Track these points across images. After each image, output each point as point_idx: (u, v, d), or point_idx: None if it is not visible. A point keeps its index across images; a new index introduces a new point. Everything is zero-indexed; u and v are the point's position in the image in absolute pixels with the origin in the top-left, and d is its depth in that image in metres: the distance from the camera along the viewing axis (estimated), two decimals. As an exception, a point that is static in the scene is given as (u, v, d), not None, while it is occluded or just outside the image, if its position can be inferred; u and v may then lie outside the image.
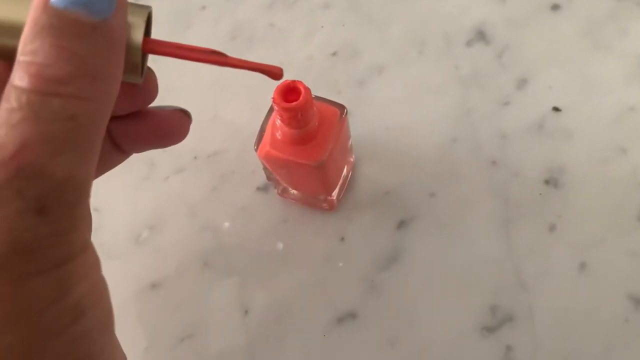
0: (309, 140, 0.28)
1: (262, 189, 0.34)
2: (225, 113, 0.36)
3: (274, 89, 0.25)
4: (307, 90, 0.25)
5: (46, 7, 0.15)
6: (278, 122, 0.27)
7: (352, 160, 0.33)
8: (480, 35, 0.37)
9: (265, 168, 0.31)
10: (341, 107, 0.28)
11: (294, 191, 0.33)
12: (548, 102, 0.35)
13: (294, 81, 0.25)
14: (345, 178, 0.33)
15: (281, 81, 0.25)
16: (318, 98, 0.28)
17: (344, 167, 0.32)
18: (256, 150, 0.29)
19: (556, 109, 0.35)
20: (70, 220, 0.15)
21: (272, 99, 0.26)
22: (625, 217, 0.32)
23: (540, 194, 0.33)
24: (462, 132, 0.35)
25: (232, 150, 0.35)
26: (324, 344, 0.30)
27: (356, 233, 0.33)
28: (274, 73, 0.20)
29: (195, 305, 0.31)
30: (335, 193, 0.32)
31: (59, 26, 0.15)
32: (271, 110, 0.29)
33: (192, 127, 0.35)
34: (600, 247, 0.31)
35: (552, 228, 0.32)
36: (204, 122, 0.36)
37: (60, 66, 0.15)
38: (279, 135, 0.28)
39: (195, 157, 0.35)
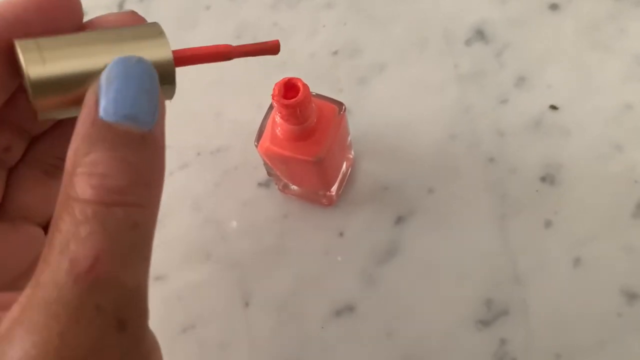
0: (307, 137, 0.28)
1: (264, 184, 0.35)
2: (228, 111, 0.37)
3: (274, 87, 0.26)
4: (306, 87, 0.26)
5: (96, 121, 0.16)
6: (278, 118, 0.28)
7: (351, 156, 0.34)
8: (480, 35, 0.38)
9: (265, 164, 0.32)
10: (339, 104, 0.29)
11: (294, 187, 0.34)
12: (546, 100, 0.36)
13: (292, 78, 0.26)
14: (345, 174, 0.34)
15: (281, 78, 0.26)
16: (317, 96, 0.29)
17: (342, 163, 0.33)
18: (257, 146, 0.30)
19: (553, 107, 0.35)
20: (143, 329, 0.15)
21: (271, 96, 0.26)
22: (620, 213, 0.32)
23: (537, 190, 0.33)
24: (461, 129, 0.35)
25: (235, 147, 0.36)
26: (323, 336, 0.31)
27: (355, 228, 0.33)
28: (272, 48, 0.21)
29: (197, 296, 0.32)
30: (334, 189, 0.33)
31: (111, 138, 0.15)
32: (272, 107, 0.30)
33: (195, 124, 0.36)
34: (595, 243, 0.32)
35: (547, 224, 0.32)
36: (207, 119, 0.37)
37: (120, 176, 0.15)
38: (278, 131, 0.29)
39: (199, 154, 0.36)
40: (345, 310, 0.31)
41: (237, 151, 0.36)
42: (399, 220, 0.33)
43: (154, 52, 0.18)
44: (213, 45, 0.20)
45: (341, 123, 0.29)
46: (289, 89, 0.26)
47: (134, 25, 0.19)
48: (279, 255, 0.33)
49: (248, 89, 0.37)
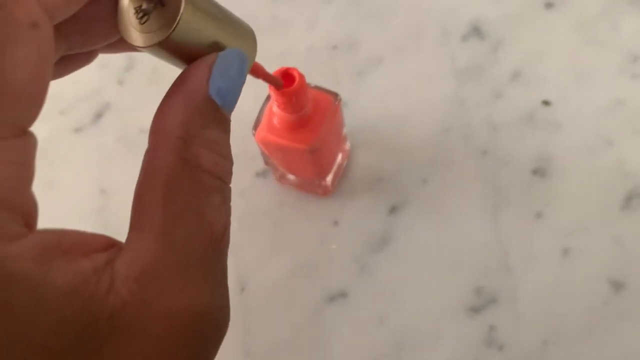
0: (303, 125, 0.29)
1: (261, 174, 0.36)
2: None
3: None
4: (302, 76, 0.27)
5: (207, 98, 0.16)
6: (275, 108, 0.29)
7: (347, 148, 0.35)
8: (476, 30, 0.39)
9: (263, 153, 0.32)
10: (334, 95, 0.29)
11: (291, 176, 0.34)
12: (539, 95, 0.36)
13: (289, 68, 0.27)
14: (341, 165, 0.35)
15: (277, 68, 0.27)
16: (313, 87, 0.29)
17: (337, 154, 0.34)
18: (254, 134, 0.31)
19: (546, 103, 0.36)
20: None
21: (268, 86, 0.27)
22: (609, 205, 0.33)
23: (529, 182, 0.34)
24: (455, 122, 0.36)
25: (234, 137, 0.36)
26: (316, 321, 0.32)
27: (350, 217, 0.34)
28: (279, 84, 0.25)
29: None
30: (329, 178, 0.34)
31: (219, 120, 0.17)
32: (269, 97, 0.31)
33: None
34: (584, 233, 0.32)
35: (538, 215, 0.33)
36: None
37: (229, 160, 0.17)
38: (275, 121, 0.30)
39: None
40: (339, 296, 0.32)
41: (235, 141, 0.36)
42: (393, 210, 0.34)
43: (249, 55, 0.20)
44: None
45: (336, 113, 0.30)
46: (286, 78, 0.27)
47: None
48: (275, 242, 0.34)
49: (247, 80, 0.37)
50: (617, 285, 0.31)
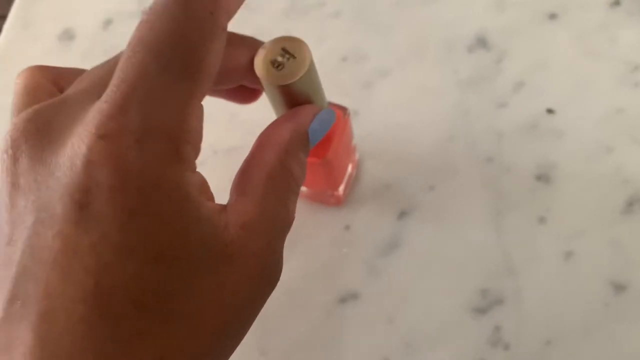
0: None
1: (275, 181, 0.37)
2: (242, 112, 0.39)
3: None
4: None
5: (306, 133, 0.23)
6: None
7: (356, 158, 0.36)
8: (480, 42, 0.40)
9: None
10: (344, 109, 0.31)
11: (303, 188, 0.36)
12: (542, 105, 0.38)
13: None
14: (351, 175, 0.36)
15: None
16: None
17: (348, 165, 0.35)
18: None
19: (550, 111, 0.37)
20: None
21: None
22: (610, 210, 0.34)
23: (532, 188, 0.35)
24: (460, 131, 0.37)
25: (248, 146, 0.38)
26: (329, 321, 0.33)
27: (360, 222, 0.36)
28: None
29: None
30: (341, 189, 0.35)
31: (307, 149, 0.23)
32: None
33: (212, 125, 0.39)
34: (586, 237, 0.34)
35: (541, 220, 0.34)
36: (223, 120, 0.39)
37: (304, 177, 0.23)
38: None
39: (215, 152, 0.38)
40: (350, 298, 0.34)
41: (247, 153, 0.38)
42: (401, 215, 0.35)
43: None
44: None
45: (346, 126, 0.31)
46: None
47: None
48: (288, 246, 0.35)
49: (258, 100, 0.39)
50: (618, 287, 0.32)
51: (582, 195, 0.35)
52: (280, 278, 0.35)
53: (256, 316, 0.21)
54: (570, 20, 0.40)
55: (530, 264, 0.33)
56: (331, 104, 0.31)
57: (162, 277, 0.17)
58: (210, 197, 0.20)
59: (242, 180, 0.21)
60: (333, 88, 0.40)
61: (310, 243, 0.35)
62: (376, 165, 0.37)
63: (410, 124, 0.38)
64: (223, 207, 0.20)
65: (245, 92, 0.27)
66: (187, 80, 0.19)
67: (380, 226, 0.35)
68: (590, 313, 0.32)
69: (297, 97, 0.23)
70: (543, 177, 0.36)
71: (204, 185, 0.19)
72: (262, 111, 0.38)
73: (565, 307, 0.32)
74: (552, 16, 0.40)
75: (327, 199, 0.36)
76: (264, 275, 0.20)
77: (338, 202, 0.36)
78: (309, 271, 0.35)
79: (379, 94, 0.39)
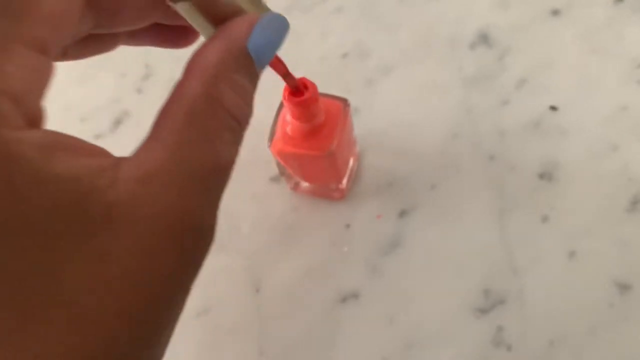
0: (317, 133, 0.30)
1: (275, 179, 0.37)
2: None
3: (284, 87, 0.28)
4: (313, 85, 0.28)
5: (244, 49, 0.18)
6: (288, 117, 0.30)
7: (357, 151, 0.36)
8: (484, 39, 0.40)
9: (278, 164, 0.34)
10: (344, 101, 0.30)
11: (305, 184, 0.36)
12: (545, 102, 0.37)
13: (301, 78, 0.28)
14: (352, 169, 0.36)
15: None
16: (322, 94, 0.31)
17: (350, 157, 0.35)
18: (269, 146, 0.32)
19: (553, 108, 0.37)
20: None
21: (282, 97, 0.28)
22: (614, 209, 0.34)
23: (535, 187, 0.35)
24: (463, 128, 0.37)
25: (247, 143, 0.37)
26: (328, 321, 0.33)
27: (361, 220, 0.35)
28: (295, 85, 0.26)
29: (211, 283, 0.34)
30: (344, 182, 0.35)
31: (251, 72, 0.18)
32: (280, 108, 0.32)
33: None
34: (590, 236, 0.33)
35: (544, 219, 0.34)
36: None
37: (250, 111, 0.18)
38: (289, 130, 0.31)
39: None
40: (350, 297, 0.33)
41: (249, 147, 0.37)
42: (403, 213, 0.35)
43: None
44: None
45: (347, 118, 0.31)
46: (298, 88, 0.28)
47: None
48: (289, 245, 0.35)
49: (258, 89, 0.38)
50: (623, 287, 0.32)
51: (586, 193, 0.34)
52: (280, 277, 0.35)
53: (185, 288, 0.17)
54: (573, 17, 0.39)
55: (533, 264, 0.33)
56: (330, 96, 0.31)
57: (6, 258, 0.14)
58: (86, 154, 0.16)
59: (158, 123, 0.17)
60: (335, 84, 0.39)
61: (311, 242, 0.35)
62: (378, 163, 0.37)
63: (412, 121, 0.38)
64: (115, 162, 0.16)
65: (169, 32, 0.23)
66: (5, 18, 0.15)
67: (381, 225, 0.35)
68: (594, 313, 0.31)
69: (221, 8, 0.19)
70: (546, 176, 0.35)
71: (57, 142, 0.15)
72: (260, 111, 0.37)
73: (569, 307, 0.32)
74: (556, 13, 0.40)
75: (331, 193, 0.35)
76: (178, 236, 0.16)
77: (342, 196, 0.35)
78: (309, 270, 0.34)
79: (381, 91, 0.39)
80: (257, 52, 0.18)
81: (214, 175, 0.17)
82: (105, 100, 0.41)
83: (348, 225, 0.35)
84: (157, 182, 0.16)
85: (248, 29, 0.18)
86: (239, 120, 0.18)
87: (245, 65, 0.18)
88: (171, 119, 0.17)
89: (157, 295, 0.16)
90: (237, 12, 0.19)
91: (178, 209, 0.16)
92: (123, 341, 0.15)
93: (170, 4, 0.19)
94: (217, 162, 0.17)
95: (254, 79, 0.19)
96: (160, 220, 0.15)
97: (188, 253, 0.16)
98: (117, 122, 0.40)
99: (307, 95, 0.28)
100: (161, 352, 0.17)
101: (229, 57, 0.18)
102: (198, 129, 0.17)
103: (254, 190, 0.36)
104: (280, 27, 0.20)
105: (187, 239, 0.16)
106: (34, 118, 0.15)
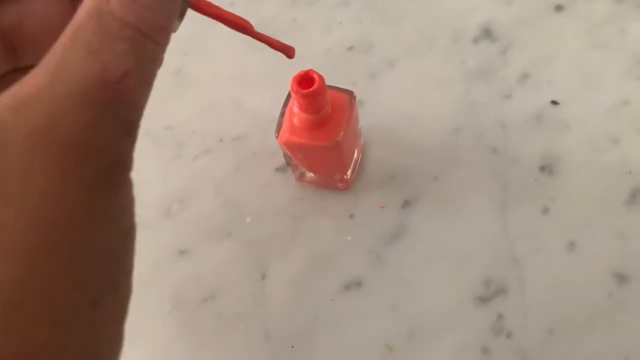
0: (324, 124, 0.31)
1: (281, 169, 0.37)
2: (248, 101, 0.40)
3: (291, 79, 0.29)
4: (321, 77, 0.28)
5: None
6: (295, 109, 0.31)
7: (361, 143, 0.37)
8: (487, 33, 0.40)
9: (285, 154, 0.34)
10: (350, 93, 0.31)
11: (310, 174, 0.36)
12: (547, 96, 0.38)
13: (309, 70, 0.29)
14: (357, 160, 0.36)
15: (298, 71, 0.29)
16: (329, 87, 0.31)
17: (355, 149, 0.35)
18: (277, 137, 0.32)
19: (554, 102, 0.38)
20: (135, 141, 0.17)
21: (290, 88, 0.29)
22: (614, 202, 0.34)
23: (536, 179, 0.35)
24: (466, 122, 0.37)
25: (254, 134, 0.39)
26: (332, 308, 0.34)
27: (365, 211, 0.36)
28: (289, 51, 0.24)
29: (217, 270, 0.35)
30: (349, 173, 0.35)
31: None
32: (287, 99, 0.32)
33: (218, 113, 0.39)
34: (590, 228, 0.34)
35: (545, 210, 0.35)
36: (229, 109, 0.40)
37: (159, 14, 0.16)
38: (296, 121, 0.31)
39: (221, 140, 0.39)
40: (354, 285, 0.34)
41: (256, 138, 0.38)
42: (406, 204, 0.36)
43: None
44: (237, 16, 0.22)
45: (352, 110, 0.31)
46: (306, 80, 0.29)
47: None
48: (294, 234, 0.36)
49: (266, 81, 0.39)
50: (621, 278, 0.32)
51: (586, 186, 0.35)
52: (285, 265, 0.36)
53: (70, 204, 0.15)
54: (576, 12, 0.40)
55: (533, 254, 0.34)
56: (337, 89, 0.32)
57: None
58: None
59: (49, 51, 0.16)
60: (340, 77, 0.40)
61: (315, 231, 0.36)
62: (381, 154, 0.37)
63: (415, 114, 0.38)
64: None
65: None
66: None
67: (385, 215, 0.36)
68: (593, 303, 0.32)
69: None
70: (547, 168, 0.36)
71: None
72: (267, 102, 0.38)
73: (569, 297, 0.32)
74: (558, 8, 0.40)
75: (336, 183, 0.36)
76: (52, 155, 0.15)
77: (347, 186, 0.36)
78: (314, 258, 0.35)
79: (385, 84, 0.39)
80: None
81: (101, 89, 0.15)
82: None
83: (352, 216, 0.36)
84: (32, 106, 0.15)
85: None
86: (141, 28, 0.16)
87: None
88: (57, 43, 0.16)
89: (39, 218, 0.15)
90: None
91: (47, 128, 0.15)
92: (34, 272, 0.14)
93: None
94: (102, 75, 0.15)
95: None
96: (28, 142, 0.15)
97: (69, 172, 0.15)
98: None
99: (315, 87, 0.28)
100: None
101: None
102: (81, 45, 0.15)
103: (260, 180, 0.37)
104: None
105: (66, 156, 0.15)
106: None
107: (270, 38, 0.23)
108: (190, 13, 0.21)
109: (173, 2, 0.17)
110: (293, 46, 0.24)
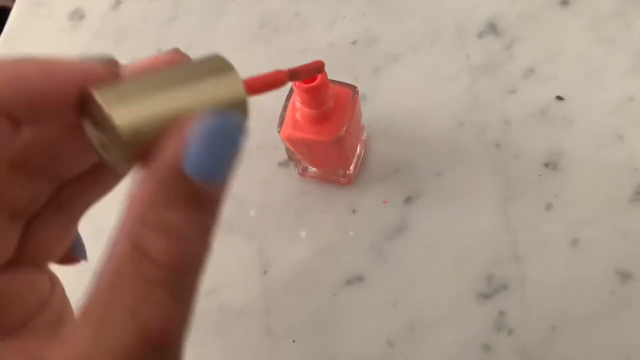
0: (326, 119, 0.31)
1: (283, 164, 0.37)
2: (250, 96, 0.39)
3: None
4: (323, 72, 0.28)
5: (178, 174, 0.14)
6: (298, 104, 0.30)
7: (364, 138, 0.36)
8: (492, 28, 0.40)
9: (287, 148, 0.34)
10: (353, 88, 0.31)
11: (313, 169, 0.36)
12: (552, 92, 0.37)
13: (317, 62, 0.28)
14: (359, 155, 0.36)
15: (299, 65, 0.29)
16: (332, 81, 0.31)
17: (357, 144, 0.35)
18: (279, 132, 0.32)
19: (559, 98, 0.37)
20: None
21: (292, 83, 0.29)
22: (618, 199, 0.34)
23: (540, 175, 0.35)
24: (470, 117, 0.37)
25: (257, 129, 0.38)
26: (334, 303, 0.34)
27: (367, 206, 0.36)
28: (319, 67, 0.24)
29: (219, 264, 0.35)
30: (351, 168, 0.35)
31: (192, 198, 0.15)
32: (289, 94, 0.32)
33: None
34: (593, 225, 0.34)
35: (548, 207, 0.34)
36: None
37: (197, 242, 0.15)
38: (298, 116, 0.31)
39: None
40: (355, 280, 0.34)
41: (259, 133, 0.38)
42: (408, 199, 0.36)
43: (228, 91, 0.17)
44: (271, 74, 0.20)
45: (355, 105, 0.31)
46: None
47: (191, 61, 0.17)
48: (296, 228, 0.35)
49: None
50: (624, 276, 0.32)
51: (590, 182, 0.35)
52: (287, 260, 0.35)
53: None
54: (581, 7, 0.40)
55: (536, 250, 0.33)
56: (340, 83, 0.31)
57: None
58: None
59: (89, 292, 0.15)
60: (343, 72, 0.40)
61: (317, 226, 0.35)
62: (384, 149, 0.37)
63: (419, 109, 0.38)
64: (42, 350, 0.15)
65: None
66: None
67: (387, 210, 0.35)
68: (595, 300, 0.32)
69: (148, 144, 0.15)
70: (551, 164, 0.35)
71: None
72: (269, 97, 0.37)
73: (571, 293, 0.32)
74: (564, 3, 0.40)
75: (338, 178, 0.36)
76: None
77: (349, 181, 0.36)
78: (316, 253, 0.35)
79: (388, 78, 0.39)
80: (201, 171, 0.14)
81: (141, 345, 0.14)
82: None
83: (354, 210, 0.36)
84: None
85: (179, 148, 0.14)
86: (174, 268, 0.14)
87: (184, 194, 0.14)
88: (97, 289, 0.14)
89: None
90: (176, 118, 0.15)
91: None
92: None
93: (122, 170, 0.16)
94: (143, 335, 0.14)
95: (201, 202, 0.15)
96: None
97: None
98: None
99: (317, 81, 0.28)
100: None
101: (156, 191, 0.14)
102: (120, 297, 0.14)
103: (262, 175, 0.37)
104: (229, 128, 0.15)
105: None
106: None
107: (299, 68, 0.23)
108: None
109: (212, 215, 0.15)
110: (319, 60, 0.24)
